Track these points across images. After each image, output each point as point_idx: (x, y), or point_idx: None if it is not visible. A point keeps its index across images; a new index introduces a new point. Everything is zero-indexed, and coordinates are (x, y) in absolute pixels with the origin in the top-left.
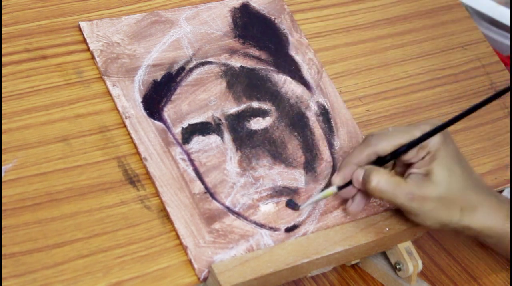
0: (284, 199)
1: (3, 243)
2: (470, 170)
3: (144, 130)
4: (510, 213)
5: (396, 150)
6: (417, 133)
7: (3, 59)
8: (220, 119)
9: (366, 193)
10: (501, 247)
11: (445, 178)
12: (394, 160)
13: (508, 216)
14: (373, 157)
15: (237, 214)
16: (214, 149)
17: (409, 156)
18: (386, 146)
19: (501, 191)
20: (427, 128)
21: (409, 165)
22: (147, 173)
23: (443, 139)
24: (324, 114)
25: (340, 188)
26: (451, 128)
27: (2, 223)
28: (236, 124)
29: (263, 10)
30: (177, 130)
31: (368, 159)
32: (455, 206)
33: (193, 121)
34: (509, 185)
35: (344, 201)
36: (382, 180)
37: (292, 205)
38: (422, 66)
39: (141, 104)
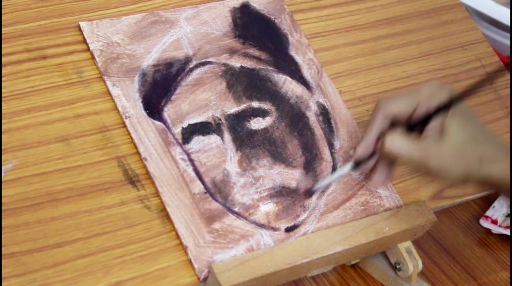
0: (284, 199)
1: (3, 243)
2: (483, 125)
3: (144, 130)
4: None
5: (426, 116)
6: (424, 92)
7: (3, 59)
8: (220, 119)
9: (386, 161)
10: None
11: (459, 130)
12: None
13: None
14: (385, 121)
15: (237, 214)
16: (214, 148)
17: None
18: (397, 105)
19: None
20: (433, 88)
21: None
22: (147, 173)
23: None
24: (324, 114)
25: (358, 164)
26: None
27: (2, 223)
28: (236, 124)
29: (263, 10)
30: (177, 130)
31: (382, 122)
32: (473, 155)
33: (193, 121)
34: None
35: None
36: (395, 141)
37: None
38: (422, 66)
39: (141, 104)
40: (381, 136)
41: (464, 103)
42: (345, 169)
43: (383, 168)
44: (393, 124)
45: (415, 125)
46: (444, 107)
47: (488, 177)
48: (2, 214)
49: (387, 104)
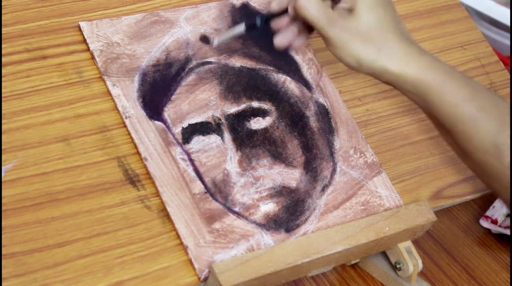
0: (284, 199)
1: (3, 243)
2: (396, 18)
3: (144, 130)
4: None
5: None
6: None
7: (3, 59)
8: (220, 119)
9: (298, 23)
10: (416, 95)
11: (366, 13)
12: None
13: (427, 67)
14: None
15: (237, 214)
16: (214, 148)
17: None
18: None
19: None
20: None
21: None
22: (147, 172)
23: None
24: (324, 114)
25: (271, 17)
26: None
27: (2, 223)
28: (236, 124)
29: (263, 10)
30: (177, 130)
31: None
32: (373, 43)
33: (193, 121)
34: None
35: None
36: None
37: (205, 40)
38: None
39: (141, 104)
40: None
41: None
42: (242, 27)
43: (291, 30)
44: None
45: None
46: None
47: (382, 68)
48: (2, 214)
49: None
